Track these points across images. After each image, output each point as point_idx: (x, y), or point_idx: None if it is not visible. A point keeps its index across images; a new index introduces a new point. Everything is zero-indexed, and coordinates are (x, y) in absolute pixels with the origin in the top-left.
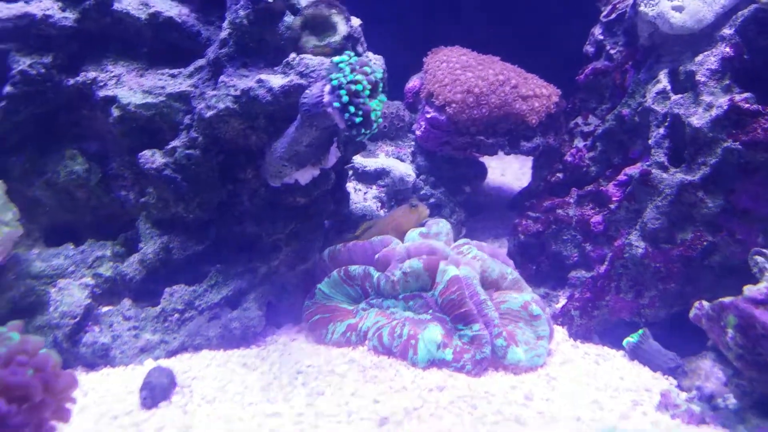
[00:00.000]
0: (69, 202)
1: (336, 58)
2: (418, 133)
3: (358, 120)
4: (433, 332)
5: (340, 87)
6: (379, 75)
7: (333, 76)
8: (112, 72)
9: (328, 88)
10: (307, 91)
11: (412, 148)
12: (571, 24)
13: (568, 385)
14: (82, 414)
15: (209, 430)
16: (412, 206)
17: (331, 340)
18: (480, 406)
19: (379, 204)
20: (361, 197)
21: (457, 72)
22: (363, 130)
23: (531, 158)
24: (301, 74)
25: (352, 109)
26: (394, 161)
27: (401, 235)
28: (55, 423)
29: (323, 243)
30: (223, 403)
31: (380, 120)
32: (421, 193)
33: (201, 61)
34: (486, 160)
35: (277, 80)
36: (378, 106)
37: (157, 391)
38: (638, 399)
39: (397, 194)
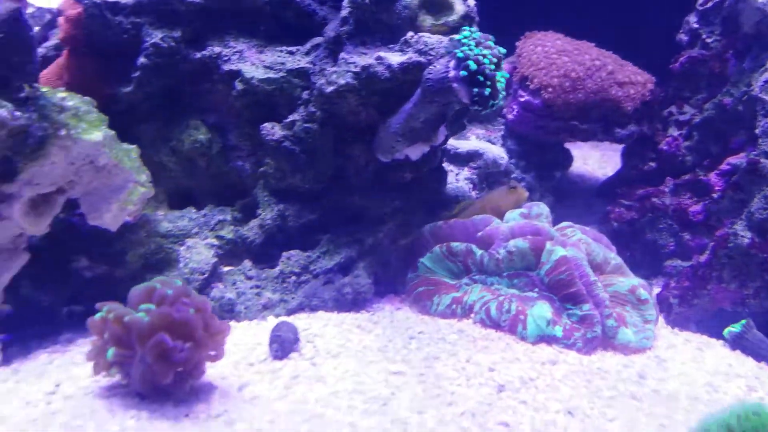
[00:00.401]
0: (191, 169)
1: (457, 36)
2: (509, 116)
3: (486, 91)
4: (542, 309)
5: (467, 59)
6: (503, 50)
7: (458, 50)
8: (234, 48)
9: (453, 63)
10: (430, 67)
11: (503, 132)
12: (660, 11)
13: (678, 367)
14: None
15: (340, 383)
16: (510, 188)
17: (437, 311)
18: (594, 381)
19: (471, 185)
20: (453, 178)
21: (553, 56)
22: (491, 102)
23: (612, 147)
24: (420, 52)
25: (480, 78)
26: (486, 144)
27: (499, 216)
28: (208, 362)
29: (422, 219)
30: (347, 359)
31: (504, 93)
32: (512, 176)
33: (318, 39)
34: (567, 147)
35: (395, 57)
36: (502, 81)
37: (286, 344)
38: (752, 385)
39: (488, 177)
